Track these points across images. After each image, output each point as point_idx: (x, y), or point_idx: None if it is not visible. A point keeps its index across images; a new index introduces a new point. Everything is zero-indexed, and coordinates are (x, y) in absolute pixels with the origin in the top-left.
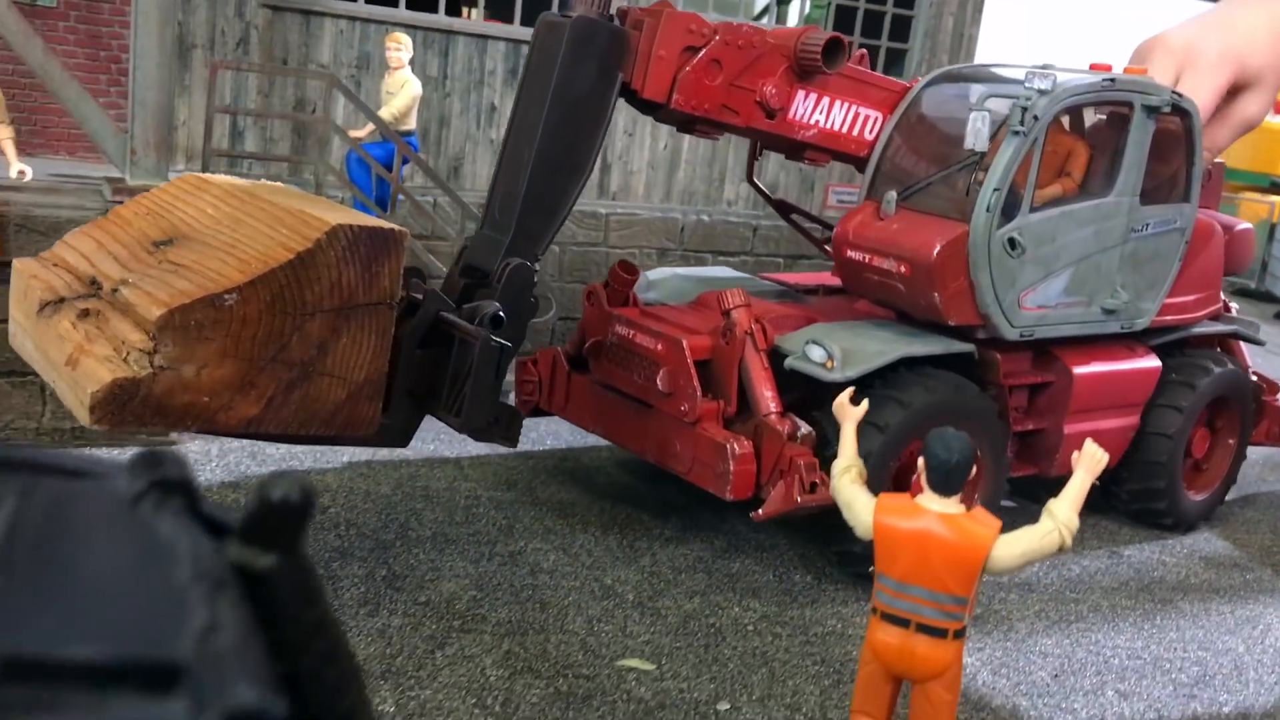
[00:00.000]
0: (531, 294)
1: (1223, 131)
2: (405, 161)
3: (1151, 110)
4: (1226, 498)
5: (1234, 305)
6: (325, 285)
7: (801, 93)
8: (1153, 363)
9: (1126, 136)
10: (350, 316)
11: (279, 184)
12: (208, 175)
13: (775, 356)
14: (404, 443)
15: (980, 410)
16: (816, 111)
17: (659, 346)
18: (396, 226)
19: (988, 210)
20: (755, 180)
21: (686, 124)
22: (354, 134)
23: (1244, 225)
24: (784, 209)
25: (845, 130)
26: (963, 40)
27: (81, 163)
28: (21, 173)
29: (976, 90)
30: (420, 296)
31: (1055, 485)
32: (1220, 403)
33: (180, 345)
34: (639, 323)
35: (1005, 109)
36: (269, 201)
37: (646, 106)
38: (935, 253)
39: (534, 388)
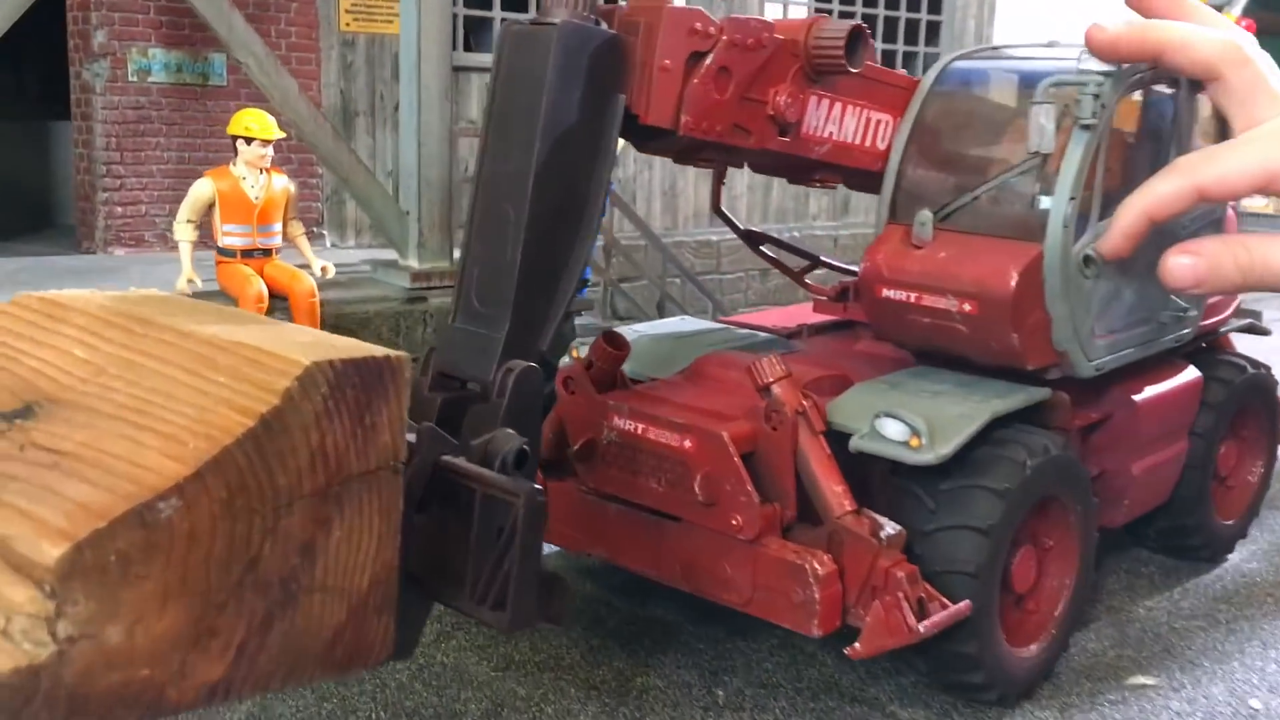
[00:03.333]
0: (544, 405)
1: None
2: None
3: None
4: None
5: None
6: (304, 458)
7: (814, 99)
8: (1193, 375)
9: (1174, 115)
10: (343, 497)
11: (155, 292)
12: (55, 295)
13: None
14: (408, 653)
15: (1075, 474)
16: (829, 121)
17: (687, 443)
18: (391, 352)
19: (1064, 225)
20: (722, 209)
21: (688, 153)
22: None
23: (1232, 209)
24: (753, 239)
25: (859, 141)
26: (981, 41)
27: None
28: (325, 269)
29: (999, 77)
30: (412, 436)
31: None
32: (1245, 410)
33: (97, 598)
34: (649, 412)
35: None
36: (172, 330)
37: (643, 134)
38: (1013, 284)
39: None
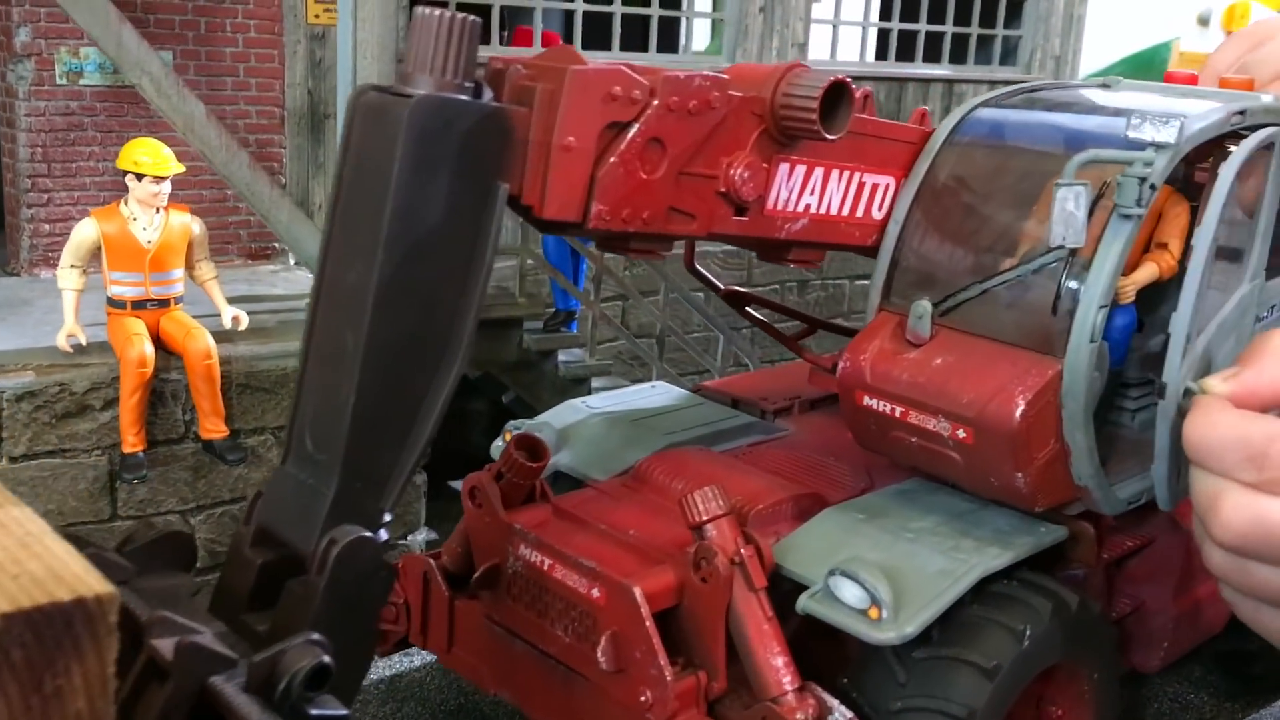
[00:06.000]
0: (382, 578)
1: None
2: None
3: None
4: None
5: None
6: None
7: (785, 166)
8: None
9: (1261, 188)
10: None
11: None
12: None
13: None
14: None
15: (1094, 635)
16: (806, 192)
17: (595, 593)
18: (90, 590)
19: (1091, 339)
20: (698, 266)
21: (612, 243)
22: None
23: None
24: (737, 300)
25: (847, 213)
26: (1073, 21)
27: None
28: (236, 320)
29: (1032, 131)
30: (168, 652)
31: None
32: None
33: None
34: (557, 547)
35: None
36: None
37: (546, 223)
38: (1018, 415)
39: (399, 612)
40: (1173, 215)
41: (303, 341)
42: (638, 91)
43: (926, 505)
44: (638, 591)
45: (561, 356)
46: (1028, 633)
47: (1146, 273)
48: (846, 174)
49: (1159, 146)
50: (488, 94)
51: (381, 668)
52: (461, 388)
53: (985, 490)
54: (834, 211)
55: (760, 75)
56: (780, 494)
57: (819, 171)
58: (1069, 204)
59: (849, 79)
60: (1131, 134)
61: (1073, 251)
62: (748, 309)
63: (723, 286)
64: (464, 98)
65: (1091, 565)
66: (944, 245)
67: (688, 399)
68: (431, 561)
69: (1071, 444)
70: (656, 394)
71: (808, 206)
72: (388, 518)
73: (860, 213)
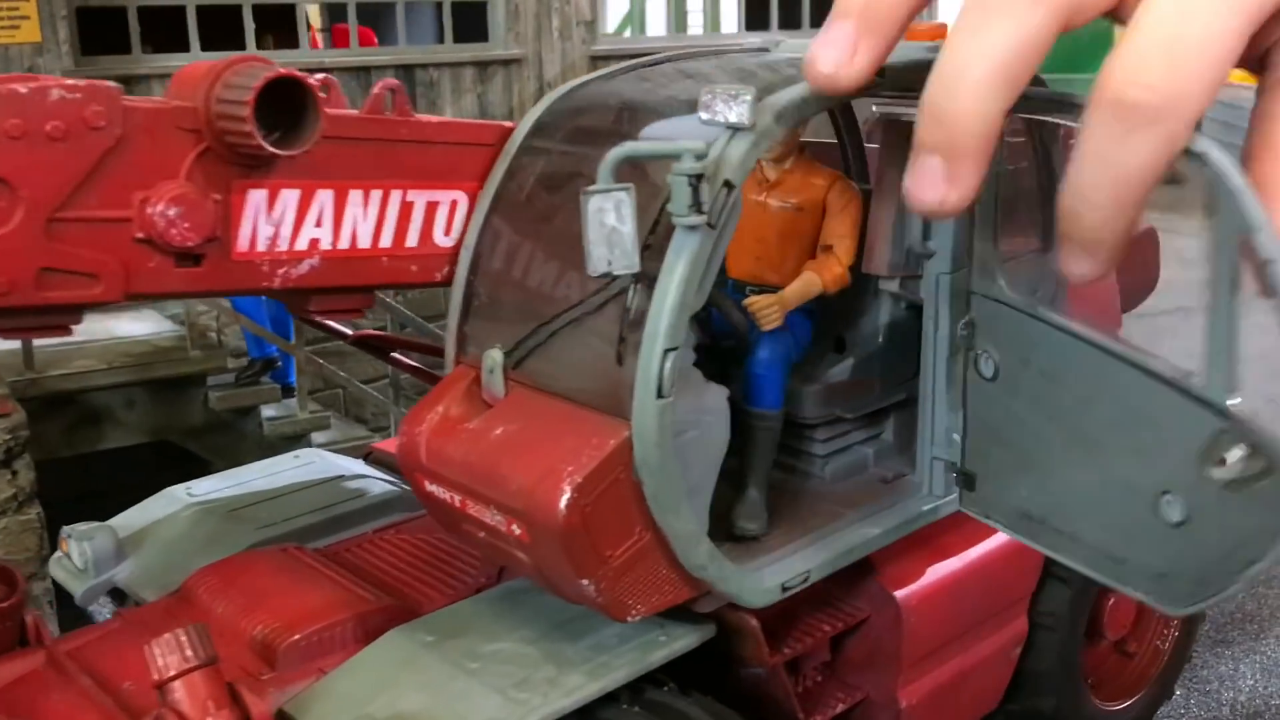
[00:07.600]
0: None
1: None
2: None
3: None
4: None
5: None
6: None
7: (258, 194)
8: None
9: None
10: None
11: None
12: None
13: None
14: None
15: None
16: (308, 224)
17: None
18: None
19: (660, 395)
20: (316, 316)
21: None
22: None
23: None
24: (376, 346)
25: (388, 244)
26: None
27: None
28: None
29: (616, 121)
30: None
31: None
32: None
33: None
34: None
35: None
36: None
37: None
38: (564, 504)
39: None
40: (838, 209)
41: None
42: None
43: (527, 613)
44: None
45: (266, 412)
46: None
47: (801, 287)
48: (379, 194)
49: (736, 127)
50: None
51: None
52: (182, 455)
53: (567, 599)
54: (364, 244)
55: (197, 76)
56: (341, 612)
57: (325, 195)
58: (609, 217)
59: (299, 72)
60: (703, 116)
61: (638, 279)
62: (393, 355)
63: (351, 333)
64: None
65: (764, 664)
66: (525, 276)
67: (331, 472)
68: None
69: (668, 530)
70: (294, 468)
71: (315, 242)
72: None
73: (413, 241)
